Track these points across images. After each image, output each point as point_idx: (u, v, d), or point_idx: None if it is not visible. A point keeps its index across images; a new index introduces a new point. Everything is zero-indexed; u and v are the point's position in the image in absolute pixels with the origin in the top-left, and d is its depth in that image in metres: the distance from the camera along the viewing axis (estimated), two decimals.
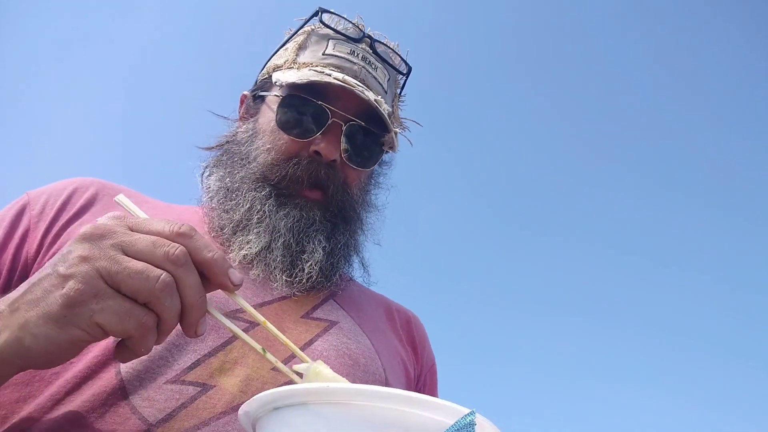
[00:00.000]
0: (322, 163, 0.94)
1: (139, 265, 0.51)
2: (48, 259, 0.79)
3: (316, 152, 0.94)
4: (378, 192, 1.11)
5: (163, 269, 0.51)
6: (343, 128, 0.95)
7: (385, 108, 0.98)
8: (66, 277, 0.50)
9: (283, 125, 0.96)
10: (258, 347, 0.58)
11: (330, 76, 0.94)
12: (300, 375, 0.53)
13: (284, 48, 1.07)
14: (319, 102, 0.94)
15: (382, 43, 1.09)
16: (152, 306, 0.51)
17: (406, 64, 1.16)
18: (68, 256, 0.52)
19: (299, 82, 0.93)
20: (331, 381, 0.49)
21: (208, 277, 0.56)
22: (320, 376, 0.49)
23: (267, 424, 0.47)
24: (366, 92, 0.95)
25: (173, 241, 0.54)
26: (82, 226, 0.83)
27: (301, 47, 1.03)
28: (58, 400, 0.65)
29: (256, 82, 1.10)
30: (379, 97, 0.99)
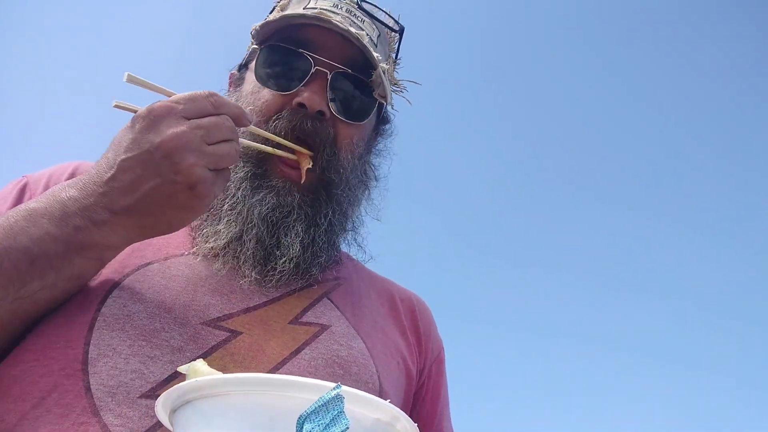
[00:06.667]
0: (307, 115, 0.87)
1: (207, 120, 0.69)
2: None
3: (300, 104, 0.87)
4: (377, 162, 1.05)
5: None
6: (329, 77, 0.89)
7: (369, 47, 0.90)
8: (185, 184, 0.66)
9: (263, 79, 0.91)
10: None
11: (305, 17, 0.89)
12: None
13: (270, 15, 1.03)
14: (300, 50, 0.89)
15: (370, 3, 1.02)
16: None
17: (398, 23, 1.09)
18: (163, 161, 0.65)
19: (271, 19, 0.90)
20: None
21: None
22: (198, 374, 0.48)
23: (173, 427, 0.50)
24: (344, 24, 0.89)
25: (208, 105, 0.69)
26: None
27: (283, 9, 0.99)
28: (23, 415, 0.63)
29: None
30: (363, 32, 0.92)
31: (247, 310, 0.79)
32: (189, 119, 0.67)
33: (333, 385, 0.40)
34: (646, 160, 5.19)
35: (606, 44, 5.16)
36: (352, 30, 0.89)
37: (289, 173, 0.88)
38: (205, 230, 0.85)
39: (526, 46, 5.24)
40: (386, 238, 1.05)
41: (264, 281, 0.82)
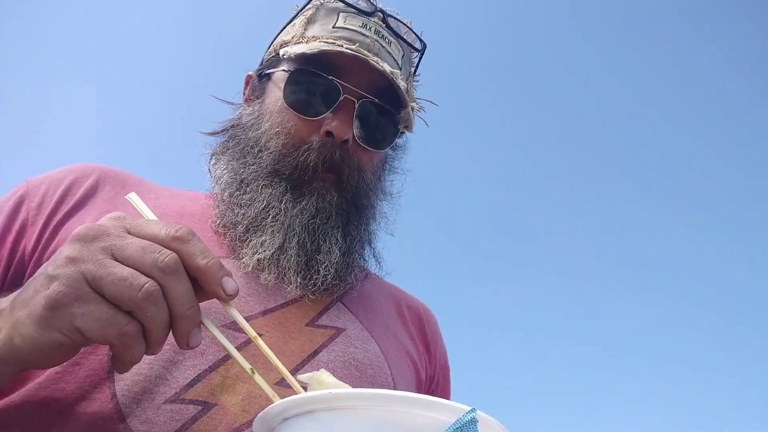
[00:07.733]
0: (335, 145, 0.89)
1: (125, 271, 0.49)
2: (47, 254, 0.77)
3: (327, 132, 0.89)
4: (392, 178, 1.07)
5: (150, 277, 0.49)
6: (356, 105, 0.91)
7: (400, 83, 0.93)
8: (52, 278, 0.49)
9: (292, 103, 0.91)
10: (247, 367, 0.54)
11: (342, 47, 0.90)
12: (305, 387, 0.54)
13: (292, 24, 1.02)
14: (330, 77, 0.90)
15: (395, 18, 1.04)
16: (136, 315, 0.49)
17: (421, 41, 1.11)
18: (58, 257, 0.51)
19: (309, 52, 0.89)
20: (334, 388, 0.49)
21: (201, 285, 0.53)
22: (323, 385, 0.48)
23: None
24: (381, 63, 0.91)
25: (167, 247, 0.51)
26: (83, 218, 0.81)
27: (310, 21, 0.99)
28: (52, 422, 0.63)
29: (262, 61, 1.06)
30: (395, 70, 0.94)
31: (265, 312, 0.81)
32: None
33: (468, 408, 0.41)
34: (647, 160, 5.28)
35: (607, 46, 5.26)
36: (387, 68, 0.91)
37: (326, 176, 0.90)
38: (252, 242, 0.85)
39: (527, 50, 5.31)
40: (388, 241, 1.06)
41: (308, 286, 0.84)
